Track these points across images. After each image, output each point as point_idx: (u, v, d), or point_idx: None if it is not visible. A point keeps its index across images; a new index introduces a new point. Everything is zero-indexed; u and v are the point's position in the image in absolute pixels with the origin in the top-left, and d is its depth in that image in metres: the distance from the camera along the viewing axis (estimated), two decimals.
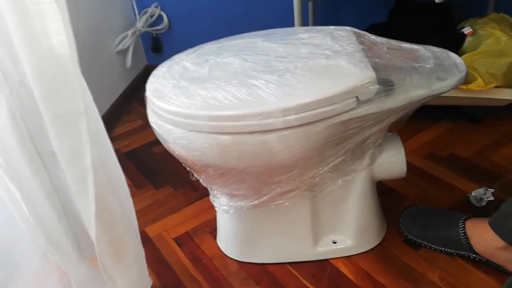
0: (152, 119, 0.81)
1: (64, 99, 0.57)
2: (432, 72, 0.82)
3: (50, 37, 0.56)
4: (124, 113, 1.65)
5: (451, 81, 0.81)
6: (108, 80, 1.58)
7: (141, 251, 0.78)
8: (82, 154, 0.58)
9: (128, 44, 1.62)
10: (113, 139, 1.49)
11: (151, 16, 1.70)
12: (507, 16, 1.30)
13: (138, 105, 1.69)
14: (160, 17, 1.71)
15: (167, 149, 0.83)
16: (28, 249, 0.75)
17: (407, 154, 0.92)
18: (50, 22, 0.56)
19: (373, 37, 0.91)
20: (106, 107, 1.56)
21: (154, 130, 0.82)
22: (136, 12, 1.68)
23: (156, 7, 1.68)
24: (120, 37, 1.60)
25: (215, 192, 0.92)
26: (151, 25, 1.71)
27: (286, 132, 0.73)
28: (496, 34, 1.18)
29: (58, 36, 0.56)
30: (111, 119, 1.55)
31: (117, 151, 0.75)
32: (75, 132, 0.57)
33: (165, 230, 1.12)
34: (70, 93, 0.57)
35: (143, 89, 0.84)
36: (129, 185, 0.72)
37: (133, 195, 0.75)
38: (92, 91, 0.67)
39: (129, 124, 1.60)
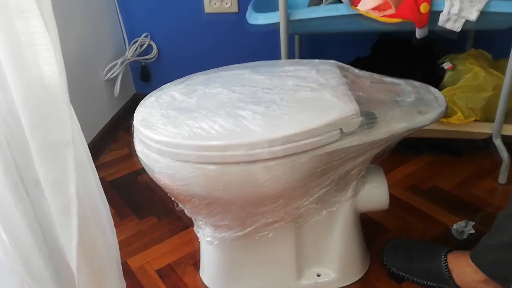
0: (139, 148, 0.82)
1: (52, 127, 0.57)
2: (413, 106, 0.85)
3: (41, 66, 0.57)
4: (111, 141, 1.64)
5: (432, 115, 0.84)
6: (96, 108, 1.59)
7: (122, 284, 0.77)
8: (67, 184, 0.58)
9: (117, 73, 1.64)
10: (98, 167, 1.47)
11: (141, 46, 1.72)
12: (485, 52, 1.35)
13: (125, 133, 1.69)
14: (149, 47, 1.73)
15: (153, 178, 0.83)
16: (6, 280, 0.73)
17: (389, 186, 0.93)
18: (41, 51, 0.57)
19: (356, 71, 0.94)
20: (93, 134, 1.55)
21: (140, 160, 0.82)
22: (126, 41, 1.70)
23: (146, 36, 1.71)
24: (109, 66, 1.62)
25: (200, 222, 0.91)
26: (140, 54, 1.74)
27: (272, 163, 0.74)
28: (474, 70, 1.23)
29: (49, 65, 0.57)
30: (97, 147, 1.55)
31: (102, 180, 0.75)
32: (61, 161, 0.57)
33: (148, 262, 1.10)
34: (58, 121, 0.57)
35: (130, 117, 0.85)
36: (112, 215, 0.71)
37: (116, 225, 0.74)
38: (80, 119, 0.68)
39: (115, 152, 1.59)
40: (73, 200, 0.59)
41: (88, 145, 0.69)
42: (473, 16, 1.05)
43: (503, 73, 1.16)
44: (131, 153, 1.53)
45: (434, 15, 1.08)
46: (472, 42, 1.44)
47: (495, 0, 1.06)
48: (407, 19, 1.08)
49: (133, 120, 0.83)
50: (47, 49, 0.56)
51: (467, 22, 1.07)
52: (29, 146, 0.58)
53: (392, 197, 0.94)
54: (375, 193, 0.93)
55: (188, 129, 0.75)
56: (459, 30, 1.09)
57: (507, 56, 1.12)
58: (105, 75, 1.61)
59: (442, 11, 1.07)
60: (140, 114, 0.83)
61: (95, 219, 0.67)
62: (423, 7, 1.05)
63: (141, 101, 0.89)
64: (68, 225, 0.60)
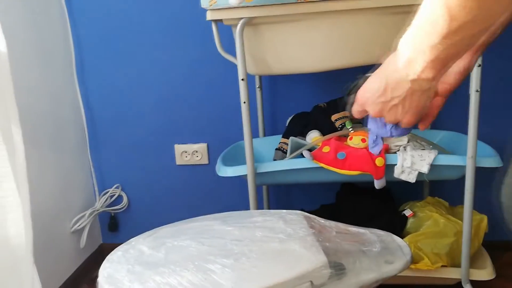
0: None
1: None
2: (380, 256, 0.87)
3: (8, 227, 0.57)
4: None
5: (398, 264, 0.85)
6: (60, 260, 1.52)
7: None
8: None
9: (84, 224, 1.62)
10: None
11: (111, 197, 1.74)
12: (441, 200, 1.43)
13: (88, 287, 1.60)
14: (120, 197, 1.75)
15: None
16: None
17: None
18: (9, 213, 0.57)
19: (322, 221, 0.97)
20: None
21: None
22: (97, 192, 1.72)
23: (117, 187, 1.74)
24: (77, 217, 1.60)
25: None
26: (110, 205, 1.74)
27: None
28: (434, 217, 1.29)
29: (16, 226, 0.57)
30: None
31: None
32: None
33: None
34: (19, 284, 0.55)
35: (95, 269, 0.83)
36: None
37: None
38: (42, 273, 0.66)
39: None
40: None
41: None
42: (424, 169, 1.15)
43: (461, 219, 1.23)
44: None
45: (390, 167, 1.18)
46: (429, 190, 1.54)
47: (443, 155, 1.18)
48: (365, 172, 1.17)
49: (97, 274, 0.81)
50: (16, 210, 0.57)
51: (420, 173, 1.17)
52: None
53: None
54: None
55: (154, 285, 0.73)
56: (414, 181, 1.17)
57: (462, 203, 1.20)
58: (72, 227, 1.58)
59: (396, 164, 1.17)
60: (106, 270, 0.81)
61: None
62: (378, 161, 1.15)
63: (108, 256, 0.87)
64: None
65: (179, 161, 1.68)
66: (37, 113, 1.41)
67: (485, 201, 1.50)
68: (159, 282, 0.74)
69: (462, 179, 1.19)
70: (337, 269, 0.80)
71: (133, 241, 0.92)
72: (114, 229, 1.78)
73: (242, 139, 1.25)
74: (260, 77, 1.53)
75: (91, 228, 1.67)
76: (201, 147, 1.66)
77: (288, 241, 0.85)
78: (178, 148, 1.67)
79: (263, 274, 0.75)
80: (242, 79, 1.18)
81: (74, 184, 1.63)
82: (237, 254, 0.81)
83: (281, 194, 1.69)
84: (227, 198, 1.69)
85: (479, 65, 1.09)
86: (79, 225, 1.60)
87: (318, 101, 1.46)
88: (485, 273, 1.25)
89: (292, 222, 0.94)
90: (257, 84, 1.52)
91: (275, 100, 1.60)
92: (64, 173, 1.57)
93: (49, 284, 1.41)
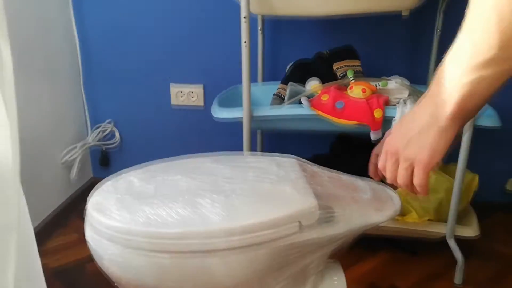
0: (89, 233, 0.78)
1: None
2: (370, 203, 0.87)
3: None
4: (60, 226, 1.56)
5: (387, 212, 0.86)
6: (49, 190, 1.53)
7: None
8: (4, 271, 0.53)
9: (75, 156, 1.61)
10: (43, 252, 1.37)
11: (103, 131, 1.72)
12: None
13: (77, 218, 1.62)
14: (112, 133, 1.73)
15: (101, 266, 0.77)
16: None
17: (348, 283, 0.91)
18: None
19: (314, 166, 0.97)
20: (42, 217, 1.47)
21: (89, 246, 0.78)
22: (89, 126, 1.70)
23: (110, 123, 1.72)
24: (68, 149, 1.59)
25: None
26: (102, 140, 1.73)
27: (228, 253, 0.71)
28: None
29: (2, 144, 0.55)
30: (45, 231, 1.46)
31: (45, 267, 0.69)
32: (1, 246, 0.53)
33: None
34: (4, 203, 0.54)
35: (84, 202, 0.82)
36: None
37: None
38: (30, 200, 0.65)
39: (64, 237, 1.50)
40: None
41: (35, 228, 0.65)
42: None
43: (453, 176, 1.23)
44: (80, 239, 1.45)
45: (388, 122, 1.16)
46: None
47: None
48: (362, 123, 1.15)
49: (86, 204, 0.80)
50: (3, 126, 0.55)
51: None
52: None
53: None
54: None
55: (143, 215, 0.73)
56: None
57: (456, 161, 1.20)
58: (63, 158, 1.57)
59: (394, 117, 1.15)
60: (94, 198, 0.80)
61: None
62: (377, 113, 1.13)
63: (97, 185, 0.86)
64: None
65: (174, 101, 1.66)
66: (26, 38, 1.36)
67: (477, 161, 1.51)
68: (148, 212, 0.74)
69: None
70: (327, 212, 0.80)
71: (123, 172, 0.91)
72: (105, 164, 1.78)
73: (240, 82, 1.22)
74: (263, 20, 1.47)
75: (82, 161, 1.67)
76: (197, 88, 1.63)
77: (279, 182, 0.84)
78: (174, 87, 1.64)
79: (252, 212, 0.75)
80: (244, 17, 1.13)
81: (65, 115, 1.61)
82: (227, 191, 0.80)
83: (275, 141, 1.68)
84: (221, 141, 1.68)
85: None
86: (70, 157, 1.59)
87: (320, 49, 1.42)
88: (470, 230, 1.27)
89: (285, 165, 0.94)
90: (259, 27, 1.47)
91: (277, 45, 1.56)
92: (55, 103, 1.54)
93: (37, 212, 1.42)
